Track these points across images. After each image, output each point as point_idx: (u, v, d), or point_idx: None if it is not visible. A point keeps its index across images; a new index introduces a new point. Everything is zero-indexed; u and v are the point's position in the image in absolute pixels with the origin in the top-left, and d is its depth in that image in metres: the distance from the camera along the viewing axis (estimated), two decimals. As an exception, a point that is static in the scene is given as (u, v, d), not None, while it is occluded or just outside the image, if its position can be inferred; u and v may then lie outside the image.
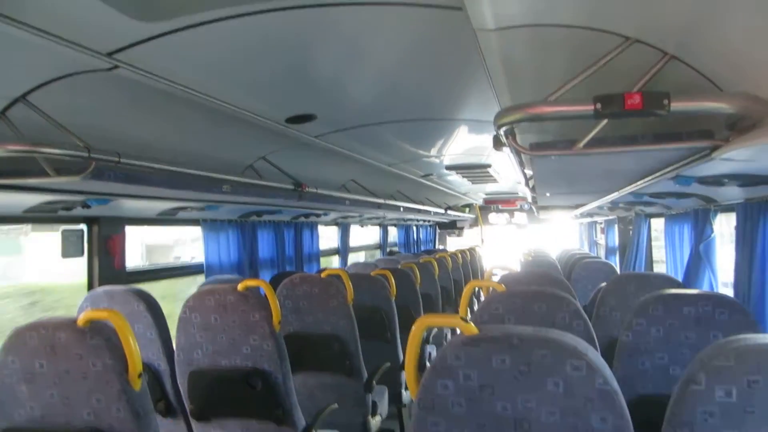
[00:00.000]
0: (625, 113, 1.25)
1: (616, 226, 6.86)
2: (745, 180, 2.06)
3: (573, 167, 2.02)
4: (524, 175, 2.78)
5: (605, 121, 1.51)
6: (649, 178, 2.27)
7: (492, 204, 10.86)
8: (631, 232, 5.63)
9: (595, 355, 1.26)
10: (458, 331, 1.35)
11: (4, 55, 1.57)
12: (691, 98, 1.26)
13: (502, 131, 1.46)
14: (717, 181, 2.08)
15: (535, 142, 1.62)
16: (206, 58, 1.87)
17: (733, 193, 2.60)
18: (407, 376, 1.43)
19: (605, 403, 1.20)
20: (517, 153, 1.95)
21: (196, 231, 4.12)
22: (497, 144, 1.70)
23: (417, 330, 1.40)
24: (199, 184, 2.65)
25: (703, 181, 2.12)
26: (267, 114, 2.54)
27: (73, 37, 1.49)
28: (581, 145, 1.53)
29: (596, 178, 2.49)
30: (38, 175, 1.92)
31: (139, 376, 1.70)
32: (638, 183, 2.48)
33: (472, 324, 1.33)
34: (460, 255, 7.93)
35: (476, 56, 1.98)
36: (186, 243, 6.58)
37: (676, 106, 1.24)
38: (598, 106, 1.27)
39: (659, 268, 5.40)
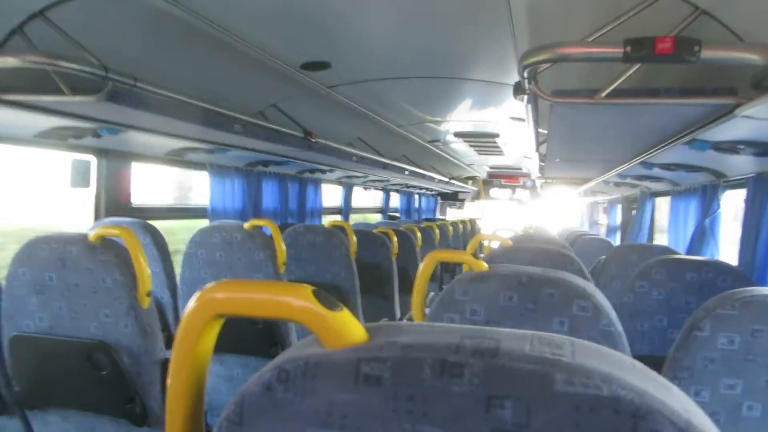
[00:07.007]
0: (655, 57, 1.23)
1: (619, 206, 6.86)
2: (761, 148, 2.06)
3: (591, 121, 2.01)
4: (536, 134, 2.77)
5: (630, 71, 1.50)
6: (665, 143, 2.27)
7: (495, 178, 10.84)
8: (634, 212, 5.63)
9: (603, 298, 1.26)
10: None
11: None
12: (722, 47, 1.24)
13: (525, 73, 1.45)
14: (732, 147, 2.07)
15: (558, 89, 1.60)
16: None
17: (745, 166, 2.60)
18: (414, 306, 1.45)
19: (608, 343, 1.21)
20: (536, 104, 1.94)
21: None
22: (518, 91, 1.68)
23: (428, 263, 1.41)
24: (211, 121, 2.63)
25: (719, 146, 2.11)
26: (283, 57, 2.51)
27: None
28: (604, 94, 1.52)
29: (611, 141, 2.48)
30: (53, 92, 1.91)
31: (148, 294, 1.72)
32: (653, 150, 2.48)
33: (482, 261, 1.35)
34: (461, 225, 7.98)
35: (500, 6, 1.95)
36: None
37: (707, 54, 1.23)
38: (628, 49, 1.25)
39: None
